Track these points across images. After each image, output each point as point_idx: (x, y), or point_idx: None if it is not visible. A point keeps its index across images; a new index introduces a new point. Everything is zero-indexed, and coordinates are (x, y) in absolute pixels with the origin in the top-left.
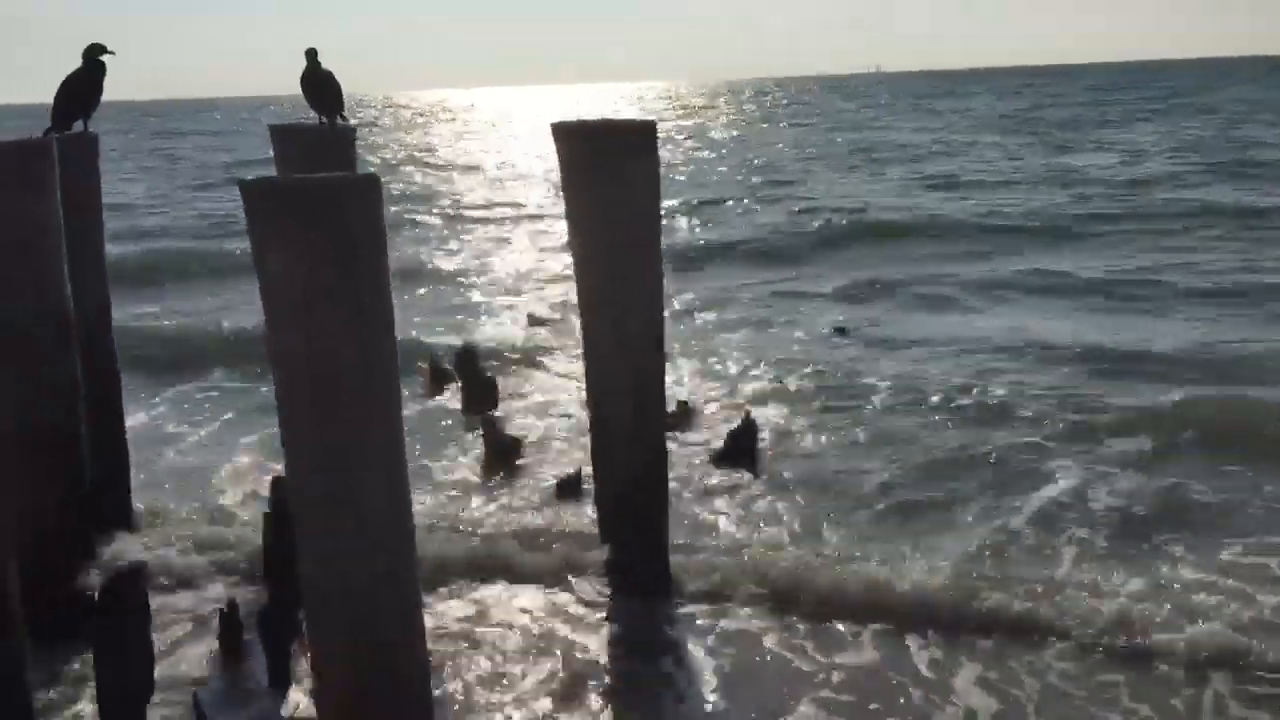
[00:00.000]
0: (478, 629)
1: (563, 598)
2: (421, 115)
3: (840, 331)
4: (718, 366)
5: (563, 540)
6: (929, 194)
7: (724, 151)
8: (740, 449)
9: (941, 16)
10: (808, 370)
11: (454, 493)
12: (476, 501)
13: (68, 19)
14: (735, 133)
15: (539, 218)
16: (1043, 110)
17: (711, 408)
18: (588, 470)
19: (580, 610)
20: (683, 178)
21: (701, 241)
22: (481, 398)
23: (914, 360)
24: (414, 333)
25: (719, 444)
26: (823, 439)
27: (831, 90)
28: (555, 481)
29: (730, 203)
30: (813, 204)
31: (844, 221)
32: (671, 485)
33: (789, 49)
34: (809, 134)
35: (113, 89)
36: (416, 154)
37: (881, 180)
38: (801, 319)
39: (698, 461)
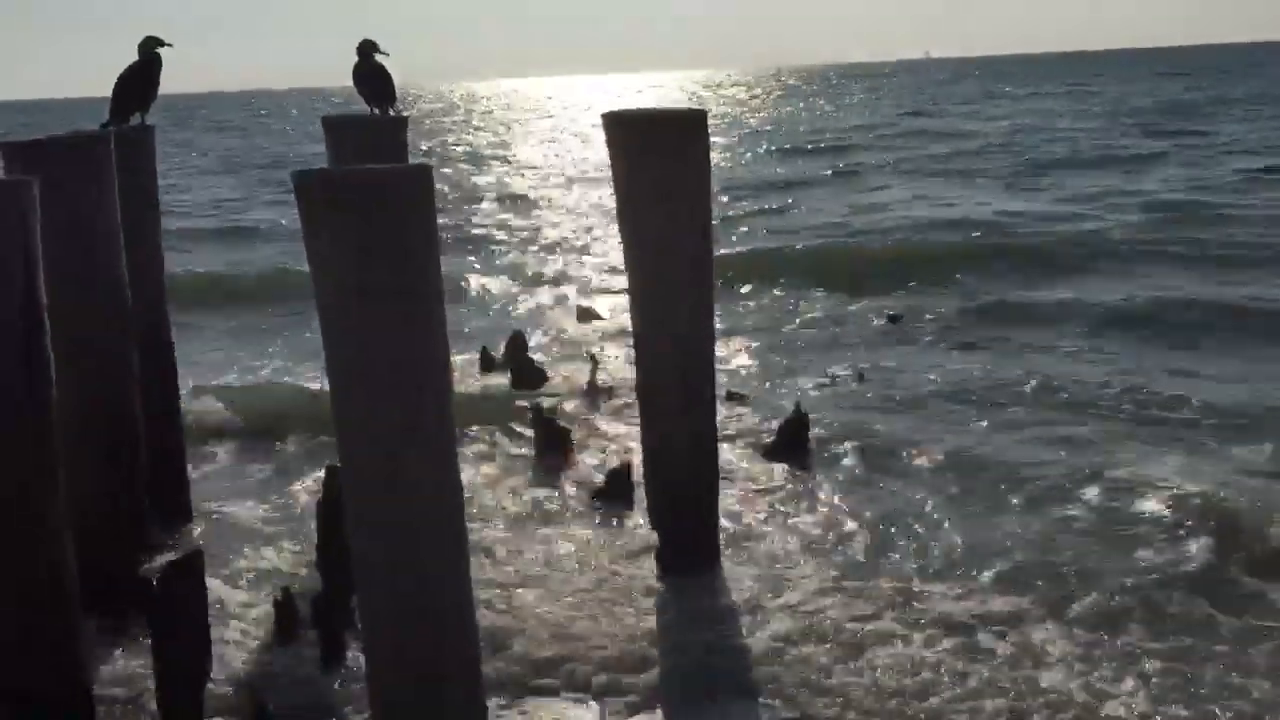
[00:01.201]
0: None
1: None
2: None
3: (893, 319)
4: (769, 358)
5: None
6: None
7: (789, 143)
8: (791, 442)
9: (985, 4)
10: (863, 365)
11: (501, 483)
12: (528, 497)
13: (128, 10)
14: (801, 122)
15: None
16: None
17: (762, 399)
18: (638, 461)
19: None
20: (744, 171)
21: (761, 242)
22: (529, 386)
23: (974, 360)
24: (464, 321)
25: (770, 435)
26: (874, 437)
27: (887, 77)
28: (605, 473)
29: (794, 200)
30: (888, 207)
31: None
32: (722, 479)
33: (834, 36)
34: (882, 122)
35: (166, 81)
36: None
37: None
38: (859, 316)
39: (749, 453)
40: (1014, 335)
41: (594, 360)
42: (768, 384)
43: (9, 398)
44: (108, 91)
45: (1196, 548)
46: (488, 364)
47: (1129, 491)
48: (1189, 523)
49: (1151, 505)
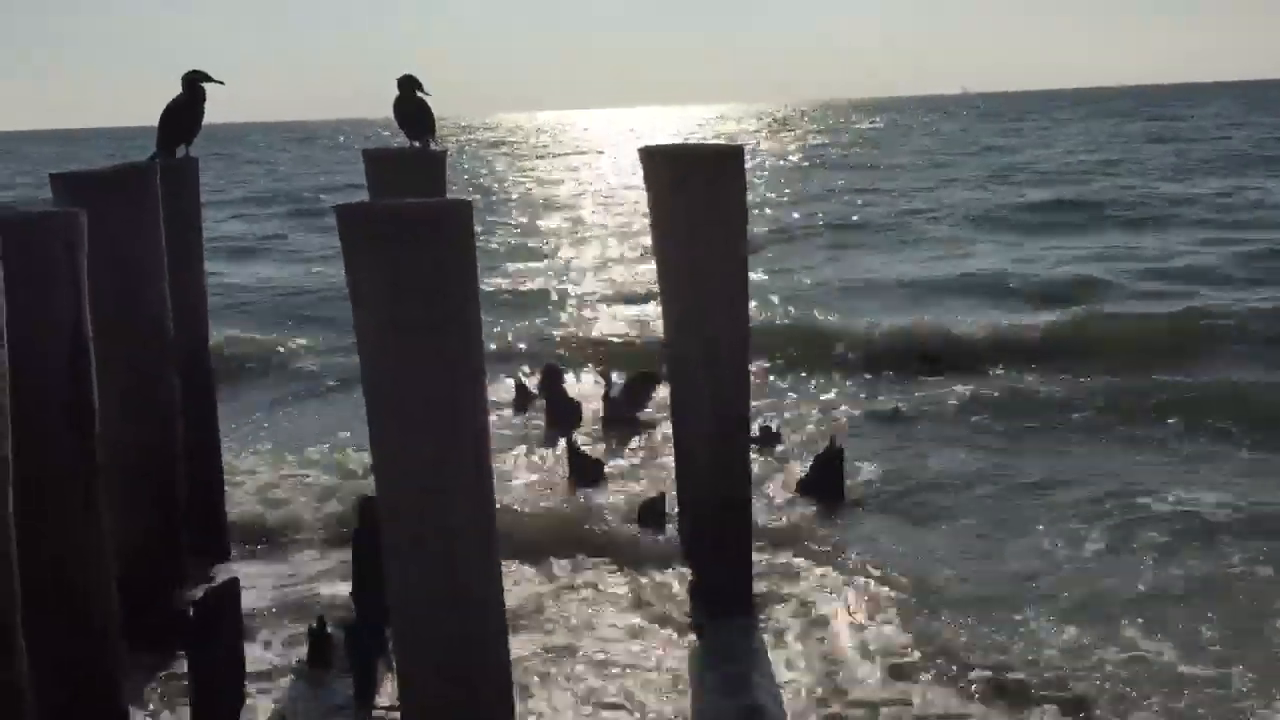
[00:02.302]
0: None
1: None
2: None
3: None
4: (804, 390)
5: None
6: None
7: (844, 183)
8: (825, 477)
9: (1022, 38)
10: (899, 402)
11: (536, 515)
12: (558, 525)
13: (173, 41)
14: (854, 160)
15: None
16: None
17: (797, 433)
18: (671, 493)
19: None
20: (792, 214)
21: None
22: (565, 418)
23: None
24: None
25: (804, 470)
26: (909, 472)
27: (932, 112)
28: (638, 504)
29: (852, 249)
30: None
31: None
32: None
33: (871, 70)
34: (944, 159)
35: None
36: None
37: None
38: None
39: (782, 487)
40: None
41: (606, 377)
42: (802, 420)
43: (54, 427)
44: (150, 121)
45: None
46: (523, 398)
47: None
48: None
49: None
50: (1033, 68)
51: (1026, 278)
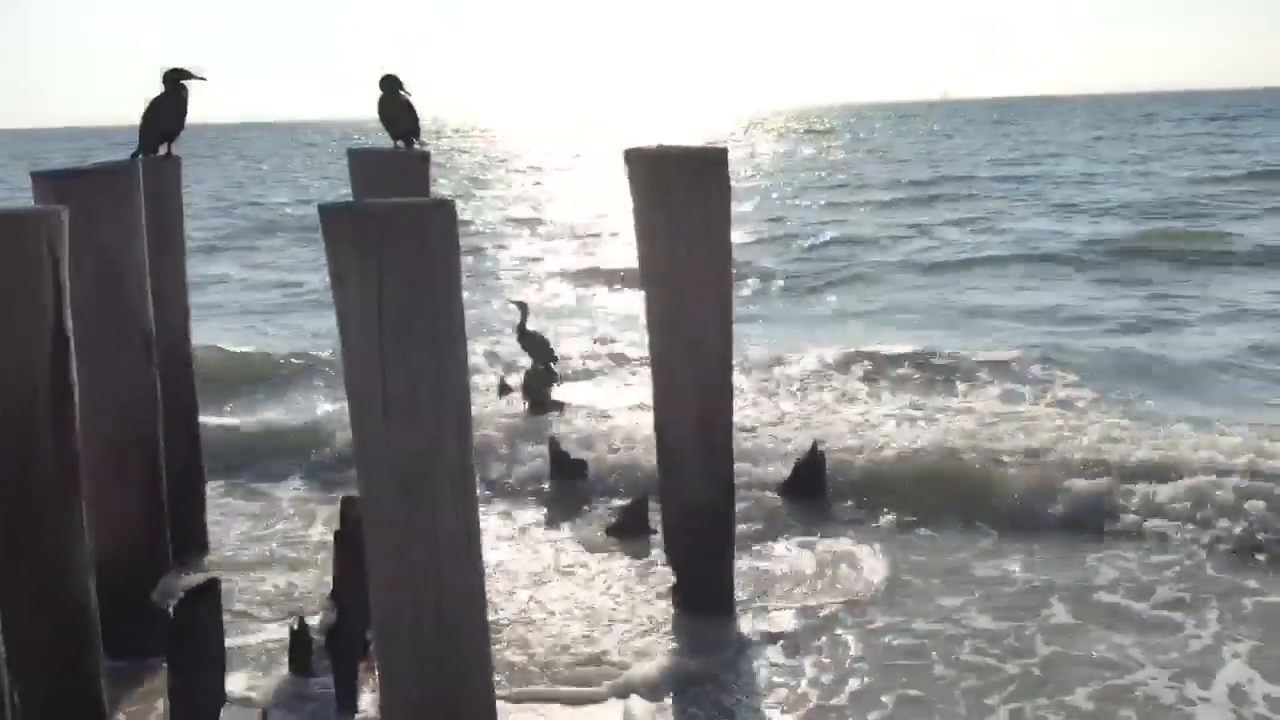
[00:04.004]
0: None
1: None
2: None
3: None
4: (786, 394)
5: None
6: None
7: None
8: (807, 480)
9: (1002, 45)
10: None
11: (517, 516)
12: (540, 530)
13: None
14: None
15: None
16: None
17: (779, 435)
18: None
19: None
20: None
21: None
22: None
23: None
24: (482, 349)
25: (786, 473)
26: (892, 475)
27: (926, 118)
28: (619, 507)
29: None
30: None
31: None
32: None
33: (848, 76)
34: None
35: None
36: None
37: None
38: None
39: (763, 491)
40: None
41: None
42: (783, 422)
43: (35, 427)
44: (135, 120)
45: None
46: (504, 394)
47: None
48: None
49: None
50: (1015, 73)
51: None
